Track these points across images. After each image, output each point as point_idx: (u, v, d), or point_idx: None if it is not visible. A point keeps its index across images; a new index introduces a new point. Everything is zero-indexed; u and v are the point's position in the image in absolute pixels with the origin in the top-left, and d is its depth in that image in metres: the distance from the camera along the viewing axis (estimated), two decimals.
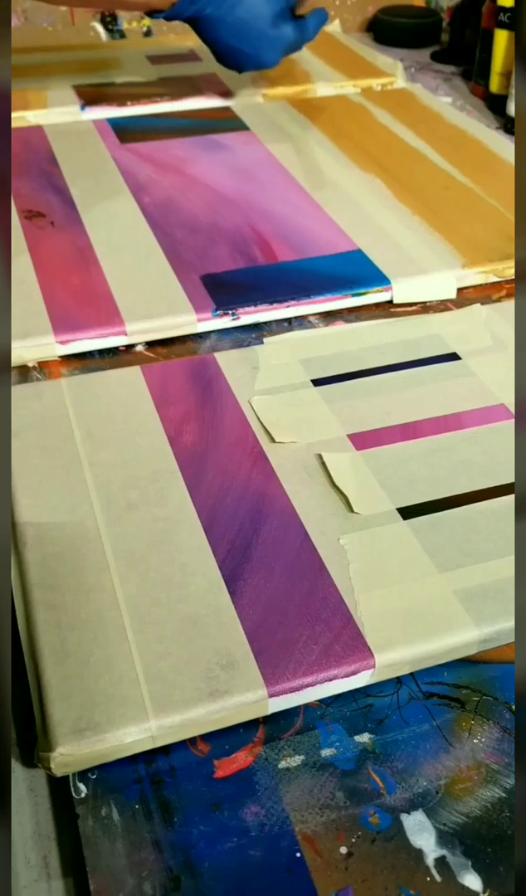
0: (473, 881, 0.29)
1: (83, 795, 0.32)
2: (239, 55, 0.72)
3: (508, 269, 0.58)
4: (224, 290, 0.55)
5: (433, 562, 0.38)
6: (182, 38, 0.97)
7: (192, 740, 0.33)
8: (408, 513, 0.40)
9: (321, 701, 0.35)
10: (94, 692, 0.33)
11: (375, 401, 0.47)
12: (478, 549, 0.38)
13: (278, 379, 0.49)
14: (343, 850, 0.30)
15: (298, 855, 0.30)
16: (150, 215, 0.63)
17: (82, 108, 0.79)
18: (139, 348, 0.53)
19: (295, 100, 0.82)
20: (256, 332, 0.54)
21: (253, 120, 0.78)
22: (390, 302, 0.56)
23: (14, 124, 0.77)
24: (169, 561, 0.38)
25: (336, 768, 0.33)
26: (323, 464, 0.43)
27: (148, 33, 1.04)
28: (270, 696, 0.33)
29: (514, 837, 0.30)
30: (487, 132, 0.76)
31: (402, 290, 0.56)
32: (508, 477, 0.42)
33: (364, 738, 0.34)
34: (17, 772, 0.33)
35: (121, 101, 0.80)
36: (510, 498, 0.41)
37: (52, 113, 0.78)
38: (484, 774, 0.32)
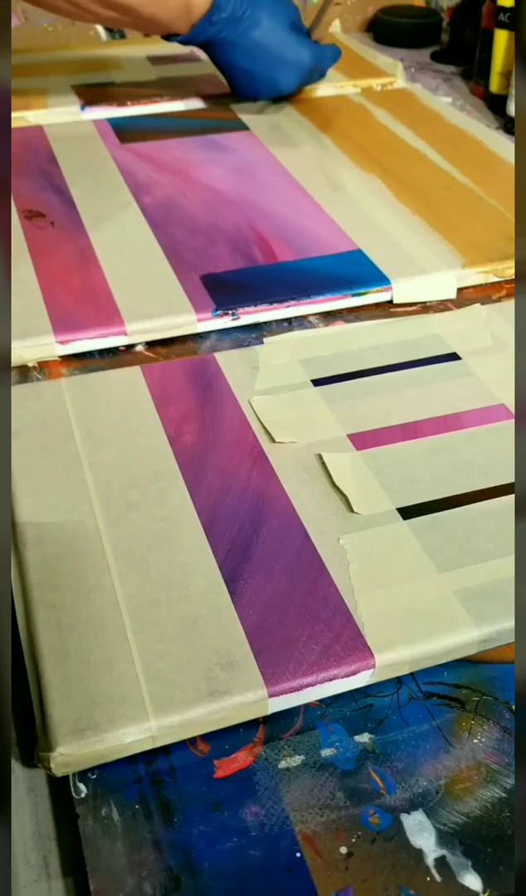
0: (473, 881, 0.29)
1: (83, 795, 0.32)
2: (254, 79, 0.72)
3: (508, 269, 0.58)
4: (224, 290, 0.55)
5: (433, 562, 0.38)
6: None
7: (192, 740, 0.33)
8: (408, 513, 0.40)
9: (321, 701, 0.35)
10: (94, 692, 0.33)
11: (375, 401, 0.47)
12: (478, 549, 0.38)
13: (278, 379, 0.49)
14: (343, 850, 0.30)
15: (298, 855, 0.30)
16: (150, 215, 0.63)
17: (82, 108, 0.79)
18: (139, 348, 0.53)
19: (295, 100, 0.82)
20: (256, 332, 0.54)
21: (253, 120, 0.78)
22: (390, 302, 0.56)
23: (14, 124, 0.77)
24: (169, 561, 0.38)
25: (336, 768, 0.33)
26: (323, 464, 0.43)
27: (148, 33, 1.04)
28: (270, 696, 0.33)
29: (514, 837, 0.30)
30: (487, 132, 0.76)
31: (402, 290, 0.56)
32: (508, 477, 0.42)
33: (364, 738, 0.34)
34: (17, 772, 0.33)
35: (121, 101, 0.80)
36: (510, 498, 0.41)
37: (52, 113, 0.78)
38: (484, 774, 0.32)
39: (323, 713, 0.35)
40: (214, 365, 0.50)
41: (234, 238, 0.60)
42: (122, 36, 1.03)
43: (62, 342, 0.51)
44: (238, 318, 0.54)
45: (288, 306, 0.54)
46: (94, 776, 0.32)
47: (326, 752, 0.33)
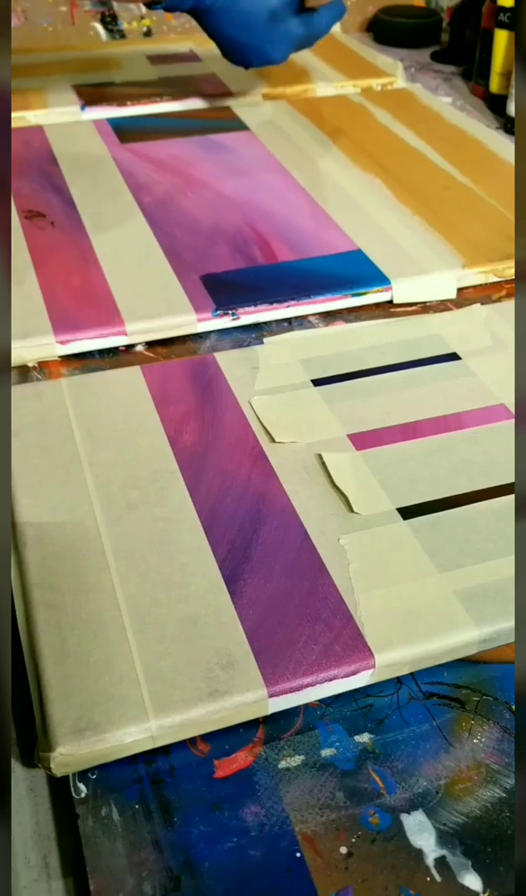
0: (473, 881, 0.29)
1: (83, 795, 0.32)
2: (244, 49, 0.70)
3: (508, 269, 0.58)
4: (224, 290, 0.55)
5: (433, 562, 0.38)
6: (182, 38, 0.97)
7: (192, 740, 0.33)
8: (408, 513, 0.40)
9: (321, 701, 0.35)
10: (94, 692, 0.33)
11: (375, 401, 0.47)
12: (478, 549, 0.38)
13: (278, 379, 0.49)
14: (343, 850, 0.30)
15: (298, 855, 0.30)
16: (150, 215, 0.63)
17: (82, 108, 0.79)
18: (139, 348, 0.53)
19: (295, 100, 0.82)
20: (256, 332, 0.54)
21: (253, 120, 0.78)
22: (390, 302, 0.56)
23: (14, 124, 0.77)
24: (169, 561, 0.38)
25: (336, 768, 0.33)
26: (323, 464, 0.43)
27: (148, 33, 1.04)
28: (270, 696, 0.33)
29: (514, 837, 0.30)
30: (487, 132, 0.76)
31: (402, 290, 0.56)
32: (508, 477, 0.42)
33: (364, 738, 0.34)
34: (17, 772, 0.33)
35: (121, 101, 0.80)
36: (510, 498, 0.41)
37: (52, 113, 0.78)
38: (484, 774, 0.32)
39: (323, 713, 0.35)
40: (214, 365, 0.50)
41: (234, 238, 0.60)
42: (123, 36, 1.03)
43: (62, 342, 0.51)
44: (238, 318, 0.54)
45: (288, 306, 0.54)
46: (94, 776, 0.32)
47: (326, 752, 0.33)
